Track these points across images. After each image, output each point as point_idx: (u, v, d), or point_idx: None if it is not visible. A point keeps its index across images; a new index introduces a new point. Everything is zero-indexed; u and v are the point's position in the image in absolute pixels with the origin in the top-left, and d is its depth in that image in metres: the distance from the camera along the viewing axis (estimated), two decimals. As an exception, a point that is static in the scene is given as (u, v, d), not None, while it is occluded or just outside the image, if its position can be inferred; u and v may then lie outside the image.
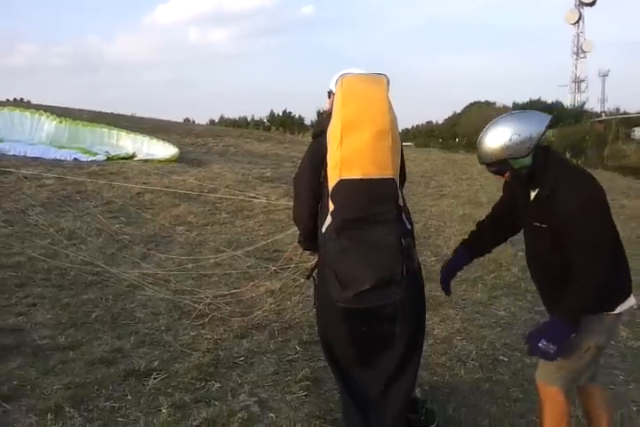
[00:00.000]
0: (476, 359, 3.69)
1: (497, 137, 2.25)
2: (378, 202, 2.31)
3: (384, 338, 2.50)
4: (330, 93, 2.75)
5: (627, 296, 2.35)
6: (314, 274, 2.91)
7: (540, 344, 2.23)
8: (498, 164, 2.28)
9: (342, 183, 2.31)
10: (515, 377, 3.52)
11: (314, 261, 2.97)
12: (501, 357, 3.79)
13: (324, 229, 2.44)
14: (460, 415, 3.03)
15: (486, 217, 2.82)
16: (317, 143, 2.56)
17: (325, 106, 2.84)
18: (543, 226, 2.30)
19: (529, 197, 2.37)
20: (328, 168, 2.39)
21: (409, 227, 2.53)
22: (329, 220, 2.39)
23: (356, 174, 2.30)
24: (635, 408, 3.25)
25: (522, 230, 2.61)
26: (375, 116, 2.35)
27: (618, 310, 2.33)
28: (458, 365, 3.60)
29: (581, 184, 2.24)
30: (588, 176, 2.29)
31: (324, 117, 2.67)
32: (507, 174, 2.33)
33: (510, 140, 2.21)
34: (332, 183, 2.35)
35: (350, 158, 2.31)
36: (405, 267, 2.34)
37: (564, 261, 2.25)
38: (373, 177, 2.30)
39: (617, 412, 2.94)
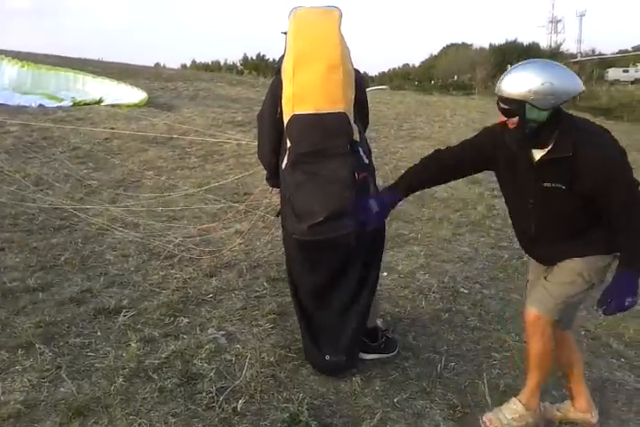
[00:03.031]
0: (437, 292, 3.84)
1: (531, 76, 2.11)
2: (330, 136, 2.34)
3: (337, 267, 2.60)
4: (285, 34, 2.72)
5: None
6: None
7: (626, 303, 2.19)
8: (514, 103, 2.15)
9: (295, 118, 2.34)
10: (473, 308, 3.68)
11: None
12: (462, 289, 3.94)
13: (283, 166, 2.49)
14: (419, 343, 3.19)
15: (436, 156, 2.61)
16: (277, 80, 2.56)
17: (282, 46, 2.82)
18: (559, 186, 2.23)
19: (531, 157, 2.29)
20: (282, 104, 2.41)
21: (366, 161, 2.58)
22: (286, 155, 2.43)
23: (307, 109, 2.32)
24: (583, 332, 3.47)
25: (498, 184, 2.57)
26: (326, 49, 2.35)
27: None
28: (419, 297, 3.75)
29: (607, 147, 2.18)
30: (610, 139, 2.22)
31: (282, 55, 2.66)
32: (510, 121, 2.21)
33: (542, 84, 2.08)
34: (286, 119, 2.38)
35: (302, 93, 2.32)
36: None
37: (581, 216, 2.28)
38: (325, 111, 2.33)
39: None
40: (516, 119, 2.18)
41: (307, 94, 2.32)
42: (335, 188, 2.34)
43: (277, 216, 2.93)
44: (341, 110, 2.34)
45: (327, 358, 2.71)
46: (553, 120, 2.17)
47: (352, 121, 2.40)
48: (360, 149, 2.52)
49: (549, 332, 2.40)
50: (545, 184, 2.26)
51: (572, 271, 2.35)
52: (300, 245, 2.52)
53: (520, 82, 2.12)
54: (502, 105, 2.20)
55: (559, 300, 2.37)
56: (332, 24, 2.42)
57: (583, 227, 2.32)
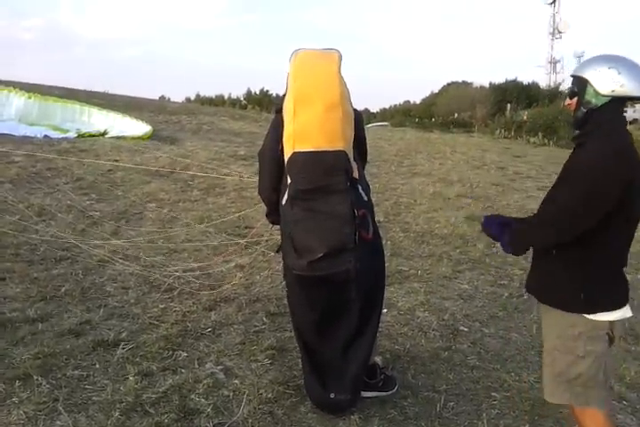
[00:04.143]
0: (437, 329, 3.83)
1: (603, 58, 2.10)
2: (330, 173, 2.39)
3: (339, 304, 2.62)
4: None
5: (615, 305, 2.15)
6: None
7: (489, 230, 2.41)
8: (578, 80, 2.13)
9: (295, 156, 2.40)
10: (473, 346, 3.66)
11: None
12: (462, 327, 3.93)
13: (283, 202, 2.54)
14: (418, 381, 3.16)
15: None
16: (278, 118, 2.63)
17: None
18: None
19: None
20: (284, 142, 2.47)
21: (365, 198, 2.63)
22: (287, 192, 2.48)
23: (307, 147, 2.38)
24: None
25: None
26: (326, 89, 2.43)
27: (604, 317, 2.13)
28: (419, 334, 3.73)
29: (598, 154, 2.03)
30: (620, 152, 2.03)
31: (284, 94, 2.74)
32: (572, 101, 2.18)
33: (609, 68, 2.05)
34: (287, 156, 2.44)
35: (302, 131, 2.39)
36: (360, 236, 2.45)
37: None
38: (324, 149, 2.38)
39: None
40: (575, 99, 2.16)
41: (307, 132, 2.39)
42: (334, 224, 2.38)
43: (277, 252, 2.96)
44: (341, 148, 2.40)
45: (332, 396, 2.69)
46: (605, 110, 2.09)
47: (351, 159, 2.46)
48: (359, 187, 2.58)
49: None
50: None
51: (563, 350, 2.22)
52: (300, 281, 2.54)
53: (591, 61, 2.13)
54: (571, 84, 2.20)
55: (564, 385, 2.22)
56: (331, 65, 2.50)
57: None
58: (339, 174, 2.41)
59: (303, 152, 2.38)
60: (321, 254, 2.35)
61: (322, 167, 2.39)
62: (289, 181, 2.44)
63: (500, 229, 2.34)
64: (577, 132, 2.21)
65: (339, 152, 2.40)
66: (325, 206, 2.38)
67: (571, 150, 2.24)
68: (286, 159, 2.43)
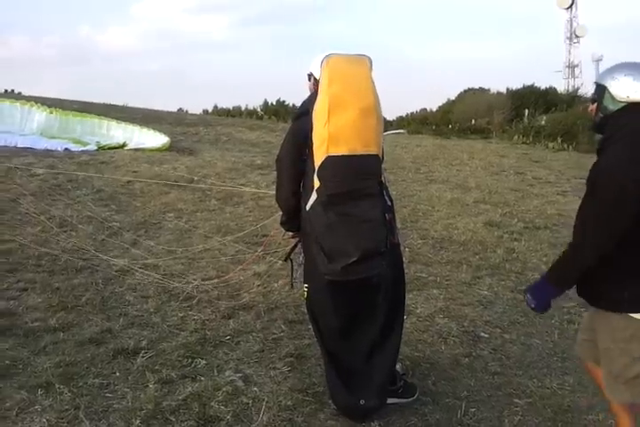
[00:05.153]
0: (457, 336, 3.79)
1: (621, 66, 2.20)
2: (362, 177, 2.41)
3: (366, 308, 2.62)
4: (310, 76, 2.82)
5: None
6: (292, 255, 3.02)
7: (526, 296, 2.33)
8: (598, 87, 2.23)
9: (329, 160, 2.40)
10: (494, 352, 3.62)
11: (292, 244, 3.08)
12: (482, 333, 3.89)
13: (308, 207, 2.54)
14: (439, 388, 3.13)
15: None
16: (300, 123, 2.64)
17: (307, 88, 2.91)
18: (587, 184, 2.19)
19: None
20: (314, 146, 2.47)
21: (389, 203, 2.65)
22: (314, 196, 2.48)
23: (342, 151, 2.39)
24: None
25: None
26: (360, 94, 2.45)
27: None
28: (439, 341, 3.71)
29: (618, 159, 2.06)
30: (636, 155, 2.05)
31: (307, 99, 2.75)
32: (592, 106, 2.27)
33: (625, 75, 2.15)
34: (318, 160, 2.44)
35: (337, 135, 2.39)
36: (389, 240, 2.46)
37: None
38: (359, 153, 2.40)
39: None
40: (596, 105, 2.25)
41: (342, 136, 2.40)
42: (367, 228, 2.40)
43: (285, 261, 2.98)
44: (375, 152, 2.42)
45: (362, 402, 2.68)
46: (621, 115, 2.15)
47: (381, 163, 2.48)
48: (384, 192, 2.59)
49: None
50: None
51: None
52: (330, 286, 2.54)
53: (610, 69, 2.22)
54: (593, 92, 2.30)
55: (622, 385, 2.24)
56: (364, 71, 2.52)
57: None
58: (371, 178, 2.44)
59: (338, 156, 2.39)
60: (355, 258, 2.36)
61: (356, 171, 2.41)
62: (317, 185, 2.45)
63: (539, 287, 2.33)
64: (598, 136, 2.28)
65: (373, 156, 2.43)
66: (358, 210, 2.40)
67: (591, 155, 2.26)
68: (317, 164, 2.43)
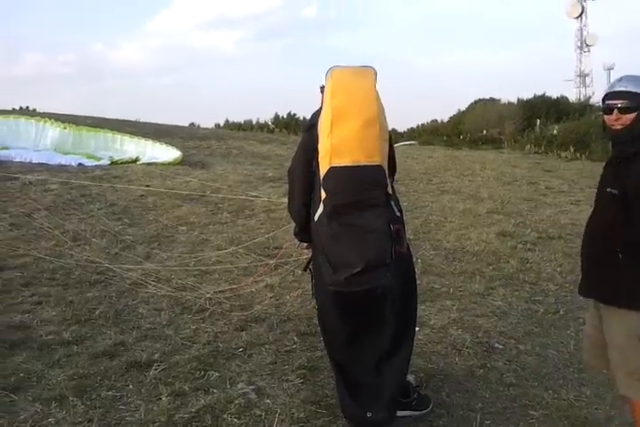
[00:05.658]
0: (471, 347, 3.76)
1: None
2: (366, 188, 2.40)
3: (373, 320, 2.60)
4: (322, 88, 2.84)
5: None
6: (310, 265, 3.01)
7: None
8: (637, 97, 2.15)
9: (332, 171, 2.40)
10: (509, 364, 3.59)
11: (309, 254, 3.08)
12: (496, 344, 3.85)
13: (316, 218, 2.55)
14: (453, 400, 3.10)
15: None
16: (309, 135, 2.66)
17: (318, 101, 2.93)
18: (614, 192, 2.19)
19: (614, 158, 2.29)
20: (319, 157, 2.49)
21: (398, 214, 2.63)
22: (321, 208, 2.49)
23: (345, 162, 2.39)
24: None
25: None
26: (363, 105, 2.45)
27: None
28: (453, 352, 3.67)
29: None
30: None
31: (317, 111, 2.77)
32: (625, 117, 2.19)
33: None
34: (322, 171, 2.45)
35: (339, 146, 2.40)
36: (394, 250, 2.45)
37: (621, 238, 2.18)
38: (362, 164, 2.40)
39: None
40: (633, 115, 2.17)
41: (344, 147, 2.40)
42: (372, 238, 2.38)
43: (305, 271, 2.96)
44: (378, 163, 2.42)
45: (369, 415, 2.65)
46: None
47: (386, 174, 2.47)
48: (392, 203, 2.58)
49: None
50: (607, 189, 2.24)
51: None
52: (334, 297, 2.53)
53: None
54: (620, 101, 2.19)
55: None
56: (368, 82, 2.53)
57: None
58: (376, 189, 2.42)
59: (340, 167, 2.39)
60: (359, 269, 2.35)
61: (359, 181, 2.40)
62: (323, 196, 2.45)
63: None
64: (617, 144, 2.26)
65: (376, 166, 2.42)
66: (362, 221, 2.38)
67: (603, 163, 2.26)
68: (322, 175, 2.44)
